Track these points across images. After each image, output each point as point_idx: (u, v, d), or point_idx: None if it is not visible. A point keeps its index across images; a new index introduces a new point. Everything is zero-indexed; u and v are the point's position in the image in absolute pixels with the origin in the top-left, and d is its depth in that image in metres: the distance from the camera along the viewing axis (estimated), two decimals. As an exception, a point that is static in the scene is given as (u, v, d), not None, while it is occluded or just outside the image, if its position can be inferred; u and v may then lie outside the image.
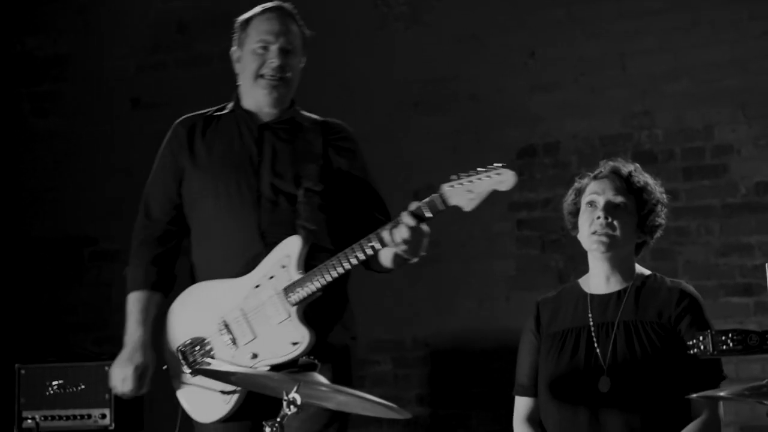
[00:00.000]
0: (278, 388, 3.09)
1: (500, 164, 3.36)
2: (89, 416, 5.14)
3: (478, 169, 3.39)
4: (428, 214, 3.41)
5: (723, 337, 2.97)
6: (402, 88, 6.03)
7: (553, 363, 3.59)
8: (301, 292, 3.53)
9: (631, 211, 3.60)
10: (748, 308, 5.39)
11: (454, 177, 3.43)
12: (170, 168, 3.80)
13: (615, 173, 3.65)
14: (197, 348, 3.63)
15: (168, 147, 3.83)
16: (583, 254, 3.69)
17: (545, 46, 5.84)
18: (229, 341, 3.60)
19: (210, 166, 3.74)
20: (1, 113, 6.65)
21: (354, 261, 3.48)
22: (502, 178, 3.34)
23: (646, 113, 5.65)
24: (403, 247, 3.44)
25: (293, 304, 3.53)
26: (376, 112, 6.03)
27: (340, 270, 3.49)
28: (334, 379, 3.38)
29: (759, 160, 5.46)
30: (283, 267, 3.57)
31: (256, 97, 3.77)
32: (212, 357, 3.60)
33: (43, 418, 5.15)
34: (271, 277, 3.58)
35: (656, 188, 3.67)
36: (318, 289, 3.53)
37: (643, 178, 3.66)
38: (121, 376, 3.69)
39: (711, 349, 2.98)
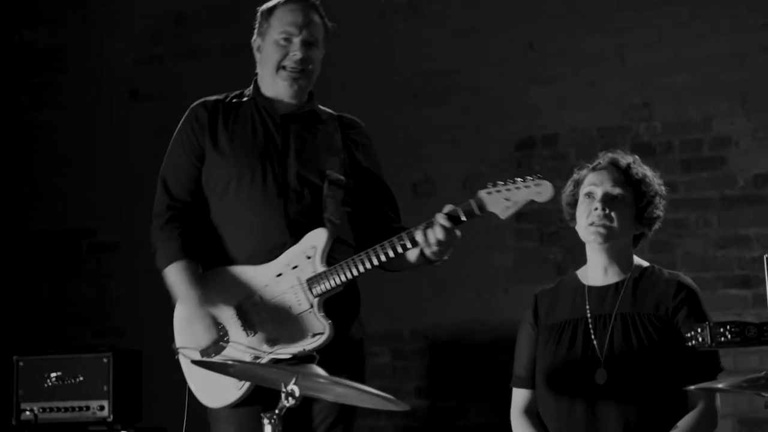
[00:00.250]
0: (277, 380, 3.09)
1: (539, 175, 3.43)
2: (87, 408, 5.14)
3: (516, 178, 3.45)
4: (463, 218, 3.47)
5: (721, 329, 2.98)
6: (401, 81, 6.02)
7: (551, 355, 3.59)
8: (325, 285, 3.55)
9: (629, 203, 3.60)
10: (747, 300, 5.39)
11: (490, 184, 3.47)
12: (191, 148, 3.75)
13: (613, 165, 3.65)
14: None
15: (189, 127, 3.78)
16: (582, 246, 3.69)
17: (544, 39, 5.83)
18: (246, 327, 3.59)
19: (233, 153, 3.71)
20: (0, 105, 6.64)
21: (383, 258, 3.52)
22: (540, 189, 3.42)
23: (645, 105, 5.65)
24: (435, 248, 3.49)
25: (316, 296, 3.55)
26: (375, 104, 6.02)
27: (368, 266, 3.53)
28: (349, 373, 3.40)
29: (757, 153, 5.46)
30: (308, 258, 3.58)
31: (276, 88, 3.77)
32: (226, 342, 3.59)
33: (41, 410, 5.15)
34: (295, 267, 3.58)
35: (655, 180, 3.67)
36: (342, 284, 3.55)
37: (642, 169, 3.66)
38: (199, 334, 3.60)
39: (709, 341, 2.99)
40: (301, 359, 3.47)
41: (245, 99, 3.82)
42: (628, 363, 3.48)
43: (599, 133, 5.68)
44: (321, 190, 3.69)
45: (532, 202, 3.44)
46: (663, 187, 3.69)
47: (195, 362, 3.48)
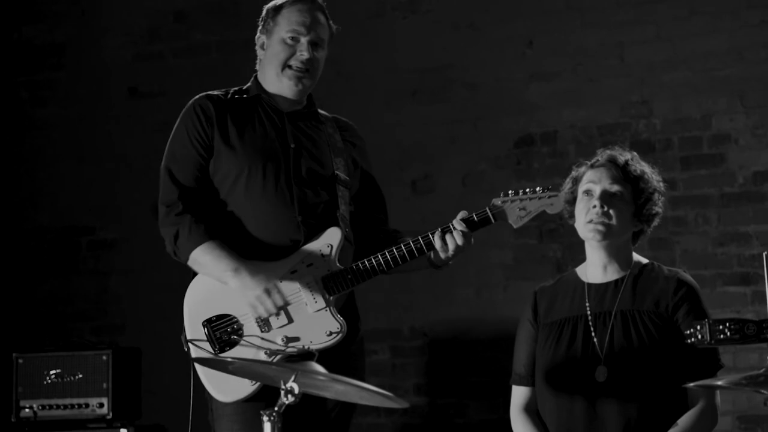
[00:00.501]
0: (276, 377, 3.09)
1: (551, 187, 3.58)
2: (87, 405, 5.14)
3: (527, 189, 3.59)
4: (478, 225, 3.60)
5: (720, 327, 2.98)
6: (400, 77, 6.02)
7: (550, 352, 3.59)
8: (341, 284, 3.59)
9: (628, 200, 3.60)
10: (746, 297, 5.39)
11: (504, 193, 3.61)
12: (198, 138, 3.72)
13: (612, 162, 3.65)
14: (224, 325, 3.59)
15: (195, 118, 3.74)
16: (581, 244, 3.69)
17: (543, 36, 5.83)
18: (261, 322, 3.58)
19: (243, 147, 3.70)
20: (0, 102, 6.64)
21: (399, 261, 3.59)
22: (553, 201, 3.58)
23: (644, 102, 5.65)
24: (451, 253, 3.59)
25: (331, 295, 3.58)
26: (374, 100, 6.02)
27: (384, 268, 3.59)
28: (355, 371, 3.45)
29: (757, 150, 5.46)
30: (324, 256, 3.61)
31: (281, 86, 3.77)
32: (240, 335, 3.58)
33: (40, 407, 5.15)
34: (310, 265, 3.60)
35: (653, 177, 3.66)
36: (357, 284, 3.61)
37: (640, 166, 3.66)
38: (262, 296, 3.57)
39: (708, 338, 2.99)
40: (301, 356, 3.47)
41: (248, 96, 3.82)
42: (628, 360, 3.48)
43: (598, 130, 5.68)
44: (333, 188, 3.73)
45: (543, 212, 3.58)
46: (662, 184, 3.68)
47: (196, 359, 3.48)
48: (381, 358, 5.91)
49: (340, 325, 3.57)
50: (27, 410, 5.16)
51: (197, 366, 3.60)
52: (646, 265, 3.65)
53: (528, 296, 3.76)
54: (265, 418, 2.99)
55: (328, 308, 3.57)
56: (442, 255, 3.60)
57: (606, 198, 3.57)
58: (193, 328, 3.63)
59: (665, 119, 5.61)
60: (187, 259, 3.65)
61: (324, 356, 3.34)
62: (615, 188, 3.59)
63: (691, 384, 3.14)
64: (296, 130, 3.77)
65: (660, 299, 3.55)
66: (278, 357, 3.52)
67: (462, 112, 5.92)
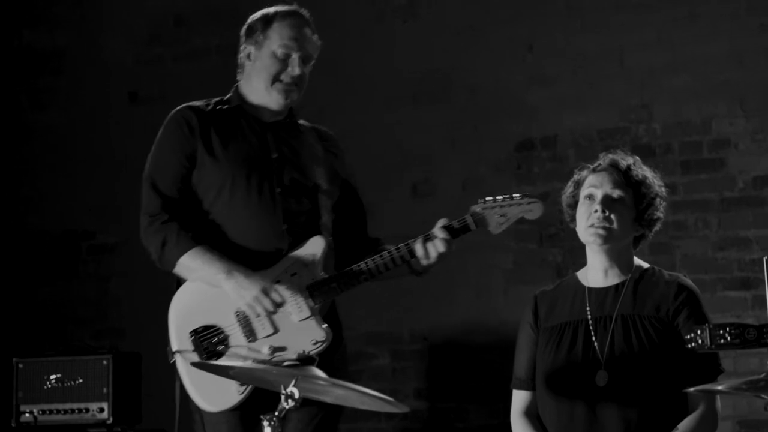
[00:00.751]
0: (276, 382, 3.09)
1: (529, 194, 3.61)
2: (87, 410, 5.14)
3: (505, 195, 3.60)
4: (459, 232, 3.60)
5: (721, 331, 2.97)
6: (400, 81, 6.03)
7: (551, 357, 3.59)
8: (325, 293, 3.61)
9: (629, 205, 3.60)
10: (746, 302, 5.39)
11: (480, 200, 3.61)
12: (181, 150, 3.73)
13: (613, 166, 3.64)
14: (210, 335, 3.61)
15: (179, 130, 3.75)
16: (581, 248, 3.69)
17: (543, 39, 5.83)
18: (247, 332, 3.59)
19: (227, 158, 3.72)
20: (0, 107, 6.64)
21: (383, 269, 3.61)
22: (532, 208, 3.60)
23: (644, 107, 5.65)
24: (433, 261, 3.60)
25: (316, 303, 3.60)
26: (374, 104, 6.03)
27: (367, 276, 3.62)
28: (338, 375, 3.41)
29: (757, 154, 5.46)
30: (307, 265, 3.63)
31: (268, 99, 3.78)
32: (226, 345, 3.59)
33: (40, 412, 5.15)
34: (294, 274, 3.62)
35: (655, 182, 3.66)
36: (342, 292, 3.63)
37: (642, 171, 3.65)
38: (262, 294, 3.57)
39: (709, 343, 2.99)
40: (301, 361, 3.49)
41: (230, 106, 3.83)
42: (628, 365, 3.47)
43: (598, 134, 5.68)
44: (315, 197, 3.76)
45: (522, 219, 3.60)
46: (663, 189, 3.68)
47: (194, 364, 3.48)
48: (381, 362, 5.91)
49: (326, 333, 3.59)
50: (27, 415, 5.16)
51: (183, 375, 3.62)
52: (646, 269, 3.65)
53: (528, 300, 3.75)
54: (265, 423, 2.99)
55: (313, 317, 3.59)
56: (424, 262, 3.61)
57: (607, 203, 3.57)
58: (180, 339, 3.64)
59: (665, 123, 5.61)
60: (175, 265, 3.66)
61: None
62: (617, 193, 3.59)
63: (692, 389, 3.14)
64: (278, 141, 3.79)
65: (660, 304, 3.55)
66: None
67: (462, 115, 5.92)
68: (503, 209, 3.59)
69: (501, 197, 3.59)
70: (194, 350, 3.59)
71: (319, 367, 3.41)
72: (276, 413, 3.00)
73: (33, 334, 6.23)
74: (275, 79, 3.76)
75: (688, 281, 3.63)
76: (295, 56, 3.76)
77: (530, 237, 5.74)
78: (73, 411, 5.14)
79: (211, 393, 3.58)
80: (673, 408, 3.48)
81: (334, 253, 3.76)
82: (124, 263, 6.30)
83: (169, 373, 3.76)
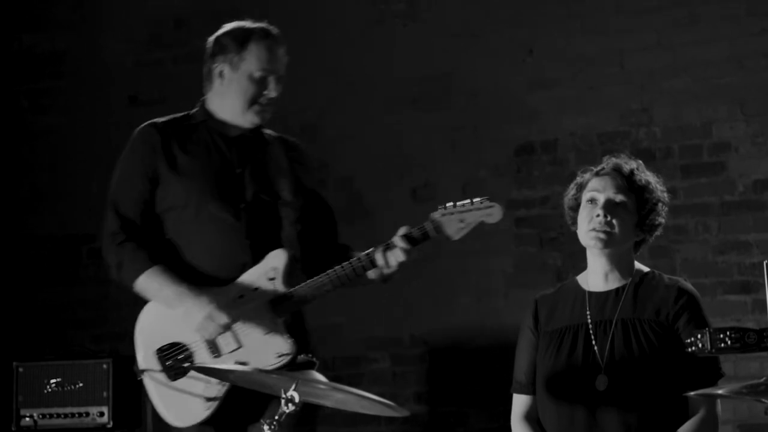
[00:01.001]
0: (276, 386, 3.09)
1: (488, 198, 3.59)
2: (87, 414, 5.14)
3: (465, 201, 3.59)
4: (419, 240, 3.60)
5: (721, 335, 2.97)
6: (400, 85, 6.02)
7: (551, 361, 3.59)
8: (288, 306, 3.63)
9: (631, 210, 3.59)
10: (746, 306, 5.39)
11: (440, 207, 3.60)
12: (144, 171, 3.77)
13: (617, 171, 3.64)
14: (175, 353, 3.64)
15: (140, 150, 3.80)
16: (582, 252, 3.69)
17: (543, 43, 5.83)
18: (212, 349, 3.63)
19: (190, 174, 3.74)
20: (1, 110, 6.64)
21: (345, 280, 3.61)
22: (491, 212, 3.57)
23: (644, 110, 5.65)
24: (394, 269, 3.61)
25: (279, 317, 3.62)
26: (374, 107, 6.03)
27: (329, 288, 3.62)
28: None
29: (757, 158, 5.46)
30: (270, 279, 3.65)
31: (243, 120, 3.80)
32: (192, 362, 3.62)
33: (41, 416, 5.15)
34: (256, 289, 3.65)
35: (658, 187, 3.66)
36: (304, 305, 3.66)
37: (645, 176, 3.65)
38: (206, 320, 3.60)
39: (709, 347, 2.99)
40: (301, 365, 3.50)
41: (194, 122, 3.86)
42: (628, 369, 3.47)
43: (599, 138, 5.68)
44: (277, 210, 3.78)
45: (482, 223, 3.58)
46: (666, 194, 3.68)
47: (196, 368, 3.50)
48: (381, 366, 5.90)
49: (290, 346, 3.59)
50: (27, 419, 5.15)
51: (151, 393, 3.66)
52: (647, 273, 3.65)
53: (529, 304, 3.75)
54: (266, 427, 2.99)
55: (276, 331, 3.60)
56: (386, 271, 3.62)
57: (609, 207, 3.57)
58: (146, 357, 3.69)
59: (665, 127, 5.61)
60: (132, 286, 3.72)
61: None
62: (619, 198, 3.58)
63: (692, 393, 3.14)
64: (242, 155, 3.81)
65: (661, 308, 3.55)
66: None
67: (462, 118, 5.92)
68: (462, 215, 3.57)
69: (461, 203, 3.58)
70: (161, 368, 3.64)
71: None
72: (276, 417, 3.00)
73: (33, 337, 6.22)
74: (253, 101, 3.78)
75: (689, 285, 3.63)
76: (271, 78, 3.79)
77: (531, 241, 5.74)
78: (73, 415, 5.13)
79: (178, 409, 3.63)
80: (674, 412, 3.48)
81: (300, 264, 3.77)
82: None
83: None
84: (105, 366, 5.15)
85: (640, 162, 3.70)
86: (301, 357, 3.60)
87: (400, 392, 5.80)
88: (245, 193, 3.75)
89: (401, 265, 3.60)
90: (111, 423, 5.12)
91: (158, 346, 3.66)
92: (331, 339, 5.85)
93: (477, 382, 5.71)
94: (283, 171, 3.84)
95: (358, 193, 6.02)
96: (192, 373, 3.59)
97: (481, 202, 3.57)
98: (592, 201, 3.61)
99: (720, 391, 3.09)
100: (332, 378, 3.27)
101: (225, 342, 3.61)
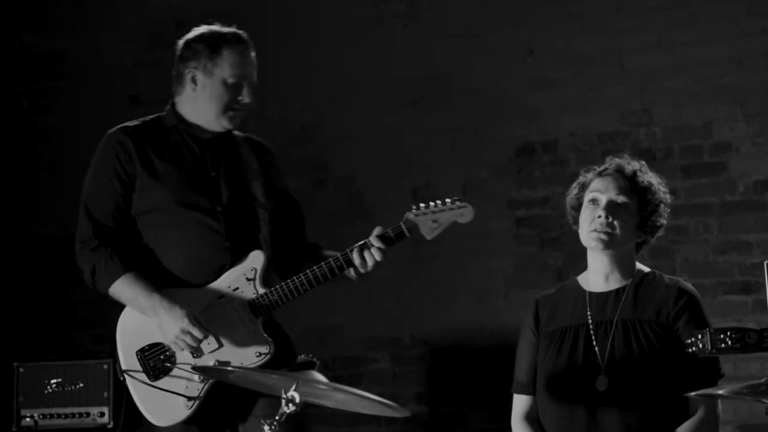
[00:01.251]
0: (276, 386, 3.09)
1: (458, 198, 3.69)
2: (88, 414, 5.14)
3: (438, 201, 3.68)
4: (394, 240, 3.67)
5: (721, 336, 2.97)
6: (400, 85, 6.02)
7: (552, 361, 3.59)
8: (267, 306, 3.67)
9: (633, 211, 3.59)
10: (747, 306, 5.39)
11: (414, 207, 3.69)
12: (117, 176, 3.76)
13: (619, 172, 3.63)
14: (156, 353, 3.65)
15: (113, 154, 3.79)
16: (582, 252, 3.69)
17: (544, 43, 5.83)
18: (193, 349, 3.64)
19: (167, 178, 3.75)
20: (1, 110, 6.64)
21: (322, 280, 3.66)
22: (463, 212, 3.67)
23: (645, 111, 5.65)
24: (370, 269, 3.66)
25: (258, 317, 3.66)
26: (374, 107, 6.03)
27: (307, 288, 3.66)
28: None
29: (757, 158, 5.46)
30: (249, 280, 3.69)
31: (215, 125, 3.82)
32: (173, 362, 3.64)
33: (41, 417, 5.15)
34: (236, 289, 3.68)
35: (660, 188, 3.65)
36: (282, 305, 3.68)
37: (648, 178, 3.64)
38: (182, 333, 3.60)
39: (709, 348, 2.99)
40: (302, 365, 3.51)
41: (166, 126, 3.87)
42: (629, 369, 3.47)
43: (599, 138, 5.68)
44: (254, 211, 3.82)
45: (455, 223, 3.66)
46: (668, 195, 3.68)
47: (196, 368, 3.50)
48: (381, 366, 5.90)
49: (269, 345, 3.64)
50: (28, 419, 5.15)
51: (132, 392, 3.67)
52: (647, 273, 3.64)
53: (529, 304, 3.75)
54: (266, 428, 2.99)
55: (256, 330, 3.65)
56: (362, 270, 3.67)
57: (611, 208, 3.56)
58: (127, 358, 3.69)
59: (666, 127, 5.61)
60: (107, 292, 3.73)
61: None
62: (621, 199, 3.58)
63: (692, 393, 3.14)
64: (215, 158, 3.83)
65: (661, 308, 3.55)
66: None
67: (463, 119, 5.92)
68: (435, 215, 3.67)
69: (433, 203, 3.67)
70: (142, 368, 3.65)
71: None
72: (276, 417, 3.00)
73: (34, 338, 6.22)
74: (227, 107, 3.80)
75: (689, 285, 3.62)
76: (245, 84, 3.82)
77: (531, 241, 5.74)
78: (73, 415, 5.13)
79: (159, 408, 3.65)
80: (674, 412, 3.48)
81: (272, 265, 3.81)
82: (124, 267, 6.29)
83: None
84: (105, 366, 5.15)
85: (643, 163, 3.70)
86: (302, 357, 3.61)
87: (400, 392, 5.80)
88: (221, 196, 3.78)
89: (377, 265, 3.65)
90: (111, 423, 5.12)
91: (139, 347, 3.67)
92: (331, 339, 5.86)
93: (477, 382, 5.71)
94: (254, 173, 3.88)
95: (358, 193, 6.02)
96: (173, 372, 3.62)
97: (453, 203, 3.67)
98: (594, 201, 3.60)
99: (720, 392, 3.10)
100: (332, 378, 3.27)
101: (206, 342, 3.64)
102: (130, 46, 6.49)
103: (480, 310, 5.78)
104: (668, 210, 3.66)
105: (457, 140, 5.91)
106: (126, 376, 3.67)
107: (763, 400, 2.94)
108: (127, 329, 3.72)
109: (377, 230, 3.66)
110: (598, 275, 3.63)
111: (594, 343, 3.55)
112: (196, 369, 3.56)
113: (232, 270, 3.71)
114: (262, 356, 3.63)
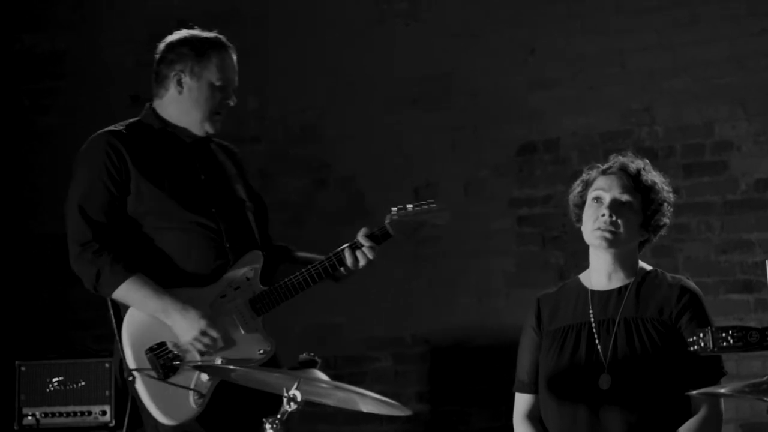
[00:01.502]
0: (278, 384, 3.09)
1: (437, 201, 3.85)
2: (89, 413, 5.14)
3: (418, 203, 3.83)
4: (381, 240, 3.78)
5: (723, 334, 2.97)
6: (401, 85, 6.03)
7: (554, 360, 3.59)
8: (267, 304, 3.74)
9: (637, 210, 3.59)
10: (749, 305, 5.39)
11: (395, 209, 3.80)
12: (111, 177, 3.76)
13: (623, 170, 3.63)
14: (165, 352, 3.66)
15: (106, 157, 3.78)
16: (584, 251, 3.69)
17: (545, 43, 5.83)
18: None
19: (162, 182, 3.77)
20: (2, 110, 6.64)
21: (318, 279, 3.75)
22: (441, 214, 3.83)
23: (646, 110, 5.65)
24: (360, 267, 3.77)
25: (259, 315, 3.73)
26: (375, 107, 6.03)
27: (304, 287, 3.74)
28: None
29: (759, 157, 5.46)
30: (248, 279, 3.76)
31: (198, 128, 3.85)
32: (180, 361, 3.66)
33: (43, 415, 5.15)
34: (237, 288, 3.74)
35: (664, 187, 3.65)
36: (281, 303, 3.75)
37: (651, 176, 3.64)
38: (201, 335, 3.64)
39: (711, 346, 2.99)
40: (303, 364, 3.50)
41: (153, 129, 3.87)
42: (631, 368, 3.47)
43: (600, 137, 5.68)
44: (244, 213, 3.89)
45: (434, 225, 3.81)
46: (671, 194, 3.68)
47: (197, 367, 3.51)
48: (383, 365, 5.90)
49: (270, 343, 3.72)
50: (29, 418, 5.15)
51: (141, 392, 3.67)
52: (649, 272, 3.65)
53: (531, 303, 3.75)
54: (268, 426, 2.99)
55: (257, 328, 3.73)
56: (353, 268, 3.76)
57: (615, 207, 3.56)
58: (137, 357, 3.68)
59: (667, 127, 5.61)
60: (111, 296, 3.73)
61: None
62: (625, 197, 3.58)
63: (695, 392, 3.14)
64: (202, 162, 3.87)
65: (663, 306, 3.55)
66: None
67: (463, 119, 5.92)
68: (415, 216, 3.79)
69: (411, 206, 3.79)
70: (152, 367, 3.65)
71: None
72: (278, 416, 3.00)
73: (35, 336, 6.22)
74: (214, 110, 3.83)
75: (691, 284, 3.63)
76: (230, 88, 3.86)
77: (532, 240, 5.74)
78: (75, 414, 5.13)
79: (169, 406, 3.65)
80: (676, 411, 3.48)
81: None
82: (125, 266, 6.29)
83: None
84: (107, 365, 5.15)
85: (647, 161, 3.70)
86: (303, 355, 3.60)
87: (402, 391, 5.79)
88: (214, 199, 3.81)
89: (368, 263, 3.75)
90: (113, 422, 5.12)
91: (148, 346, 3.67)
92: (332, 339, 5.86)
93: (479, 381, 5.71)
94: (235, 176, 3.94)
95: (358, 193, 6.02)
96: (182, 370, 3.64)
97: (428, 205, 3.81)
98: (598, 200, 3.60)
99: (722, 390, 3.09)
100: (334, 377, 3.27)
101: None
102: (130, 46, 6.49)
103: (481, 309, 5.78)
104: (672, 209, 3.66)
105: (458, 140, 5.91)
106: (135, 375, 3.66)
107: (765, 399, 2.94)
108: (134, 330, 3.72)
109: (363, 230, 3.77)
110: (600, 273, 3.63)
111: (596, 341, 3.55)
112: (200, 367, 3.57)
113: (233, 269, 3.76)
114: (264, 354, 3.69)
